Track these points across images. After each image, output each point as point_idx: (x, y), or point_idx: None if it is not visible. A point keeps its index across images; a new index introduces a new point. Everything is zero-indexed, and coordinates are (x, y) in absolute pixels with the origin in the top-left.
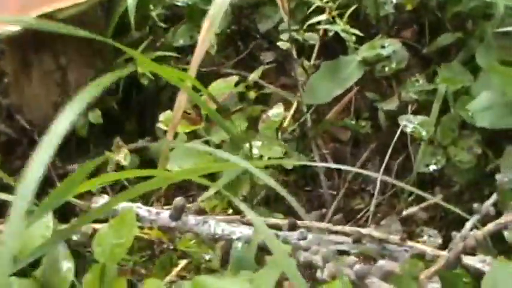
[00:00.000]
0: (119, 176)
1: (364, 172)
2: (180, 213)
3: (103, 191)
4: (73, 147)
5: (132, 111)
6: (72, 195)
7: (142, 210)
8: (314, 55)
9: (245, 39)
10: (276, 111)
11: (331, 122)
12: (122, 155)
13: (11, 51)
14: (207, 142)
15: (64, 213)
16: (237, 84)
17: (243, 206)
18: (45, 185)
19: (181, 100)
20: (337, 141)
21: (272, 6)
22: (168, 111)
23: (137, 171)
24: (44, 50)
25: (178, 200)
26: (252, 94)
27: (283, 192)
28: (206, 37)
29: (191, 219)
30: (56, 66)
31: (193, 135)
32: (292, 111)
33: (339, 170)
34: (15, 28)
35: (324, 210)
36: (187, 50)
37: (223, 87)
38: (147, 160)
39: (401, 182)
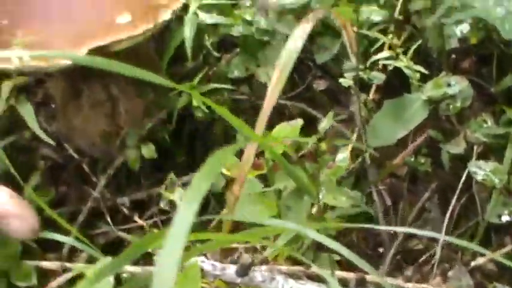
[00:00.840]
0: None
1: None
2: (247, 270)
3: (154, 225)
4: (123, 178)
5: (182, 142)
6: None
7: (207, 264)
8: (373, 90)
9: (300, 69)
10: (342, 156)
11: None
12: (177, 195)
13: (60, 78)
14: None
15: None
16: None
17: (315, 268)
18: (94, 217)
19: (250, 154)
20: (393, 176)
21: (330, 37)
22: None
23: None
24: (95, 79)
25: (246, 258)
26: (314, 139)
27: (352, 256)
28: (276, 88)
29: (258, 276)
30: (107, 96)
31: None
32: (350, 148)
33: (396, 206)
34: (67, 62)
35: (381, 250)
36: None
37: (288, 132)
38: None
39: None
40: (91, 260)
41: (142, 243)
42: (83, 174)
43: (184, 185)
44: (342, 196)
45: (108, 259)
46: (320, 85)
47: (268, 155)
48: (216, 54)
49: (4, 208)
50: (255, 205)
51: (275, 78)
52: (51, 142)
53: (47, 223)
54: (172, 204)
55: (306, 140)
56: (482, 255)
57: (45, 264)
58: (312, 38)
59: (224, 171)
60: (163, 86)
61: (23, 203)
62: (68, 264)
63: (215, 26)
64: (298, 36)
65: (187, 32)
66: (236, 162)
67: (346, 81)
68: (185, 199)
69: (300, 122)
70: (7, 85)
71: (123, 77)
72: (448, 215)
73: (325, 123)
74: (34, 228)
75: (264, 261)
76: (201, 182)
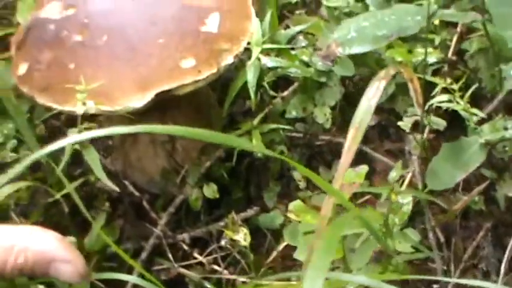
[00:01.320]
0: None
1: None
2: None
3: (214, 262)
4: (183, 215)
5: (240, 179)
6: None
7: None
8: (427, 130)
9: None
10: (406, 201)
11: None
12: (241, 235)
13: (118, 116)
14: None
15: None
16: None
17: None
18: (155, 254)
19: (329, 208)
20: (445, 212)
21: None
22: (298, 202)
23: None
24: (152, 116)
25: None
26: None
27: None
28: (352, 147)
29: None
30: (166, 138)
31: None
32: (404, 186)
33: (449, 242)
34: (137, 105)
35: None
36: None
37: (354, 177)
38: (254, 228)
39: None
40: None
41: None
42: (140, 210)
43: (244, 221)
44: (406, 241)
45: None
46: (372, 120)
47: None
48: (272, 93)
49: (53, 253)
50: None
51: (351, 137)
52: (116, 188)
53: (110, 260)
54: (233, 242)
55: (378, 190)
56: None
57: None
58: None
59: (292, 215)
60: (221, 124)
61: (70, 247)
62: None
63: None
64: (372, 95)
65: (251, 76)
66: (304, 208)
67: (406, 124)
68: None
69: (365, 168)
70: (74, 131)
71: (181, 115)
72: (506, 256)
73: (394, 174)
74: (82, 272)
75: None
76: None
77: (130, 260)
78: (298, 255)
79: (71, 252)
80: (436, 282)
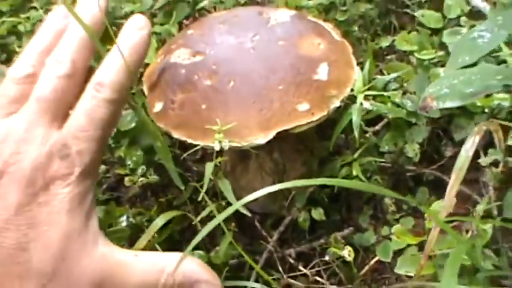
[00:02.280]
0: None
1: None
2: None
3: (317, 274)
4: (289, 233)
5: (337, 203)
6: None
7: None
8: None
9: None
10: (489, 225)
11: None
12: (346, 252)
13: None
14: None
15: None
16: None
17: None
18: (268, 267)
19: (435, 234)
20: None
21: (466, 118)
22: (399, 226)
23: None
24: (264, 147)
25: None
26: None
27: None
28: (453, 189)
29: None
30: (271, 160)
31: None
32: (481, 212)
33: None
34: (261, 142)
35: None
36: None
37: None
38: (348, 244)
39: None
40: None
41: None
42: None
43: (343, 238)
44: (490, 260)
45: None
46: (448, 151)
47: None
48: (366, 128)
49: (197, 275)
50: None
51: (452, 181)
52: (247, 213)
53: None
54: (336, 257)
55: (469, 219)
56: None
57: None
58: (451, 118)
59: (395, 237)
60: (321, 154)
61: (210, 270)
62: None
63: None
64: (469, 147)
65: (355, 117)
66: (404, 230)
67: (485, 161)
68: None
69: (453, 199)
70: (210, 165)
71: (286, 144)
72: None
73: (481, 207)
74: None
75: None
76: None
77: (255, 265)
78: (398, 269)
79: (211, 275)
80: None
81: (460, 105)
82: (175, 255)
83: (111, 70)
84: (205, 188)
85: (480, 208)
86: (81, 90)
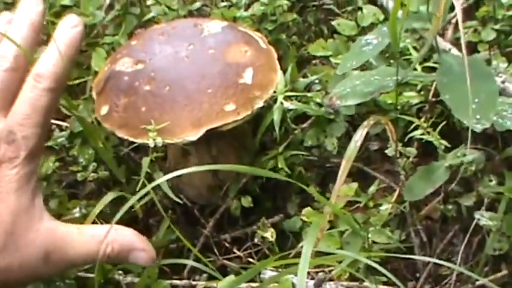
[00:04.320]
0: None
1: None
2: (321, 284)
3: (249, 256)
4: (226, 220)
5: (268, 192)
6: None
7: (295, 279)
8: (411, 158)
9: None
10: (385, 207)
11: (427, 215)
12: (269, 233)
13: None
14: None
15: None
16: None
17: (367, 283)
18: (206, 250)
19: (326, 214)
20: (429, 219)
21: (380, 114)
22: (308, 208)
23: None
24: (201, 144)
25: (321, 275)
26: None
27: (393, 277)
28: (343, 174)
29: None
30: (209, 156)
31: None
32: (395, 198)
33: (431, 242)
34: (192, 139)
35: (417, 275)
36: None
37: (347, 191)
38: (280, 231)
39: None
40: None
41: (259, 266)
42: (190, 217)
43: (272, 225)
44: (384, 236)
45: (231, 277)
46: (374, 146)
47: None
48: (293, 126)
49: (133, 243)
50: (326, 242)
51: (343, 167)
52: (178, 200)
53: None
54: (264, 240)
55: (358, 198)
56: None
57: (177, 282)
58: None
59: (304, 218)
60: (254, 150)
61: (145, 239)
62: (194, 282)
63: None
64: (357, 138)
65: (276, 116)
66: (312, 212)
67: (390, 151)
68: (305, 247)
69: (355, 184)
70: (146, 160)
71: (223, 141)
72: (461, 248)
73: (372, 188)
74: (153, 258)
75: (332, 279)
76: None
77: (192, 248)
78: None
79: (146, 243)
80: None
81: (360, 102)
82: (113, 227)
83: (49, 62)
84: (142, 178)
85: (371, 190)
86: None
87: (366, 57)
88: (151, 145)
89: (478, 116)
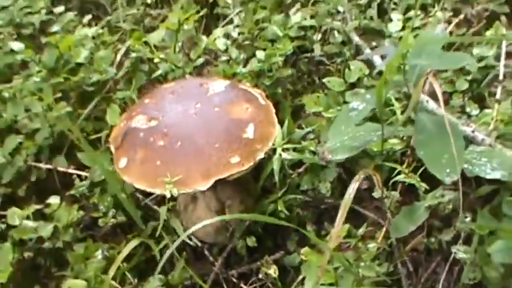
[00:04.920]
0: None
1: None
2: None
3: None
4: (232, 258)
5: (270, 231)
6: None
7: None
8: (395, 199)
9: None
10: (373, 245)
11: (413, 248)
12: (272, 270)
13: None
14: None
15: None
16: None
17: None
18: (216, 286)
19: (326, 256)
20: (415, 251)
21: (368, 159)
22: (307, 248)
23: None
24: (209, 190)
25: None
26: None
27: None
28: (340, 220)
29: None
30: (216, 200)
31: None
32: (382, 233)
33: (417, 272)
34: (203, 188)
35: None
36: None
37: (340, 232)
38: (281, 266)
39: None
40: None
41: None
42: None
43: (274, 261)
44: (373, 270)
45: None
46: (364, 185)
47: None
48: (290, 171)
49: None
50: (323, 276)
51: (340, 214)
52: (191, 243)
53: None
54: (267, 275)
55: (351, 240)
56: None
57: None
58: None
59: (303, 257)
60: (256, 196)
61: None
62: None
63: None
64: (351, 191)
65: (276, 166)
66: (310, 252)
67: (377, 193)
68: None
69: (347, 226)
70: (163, 208)
71: (229, 188)
72: (443, 276)
73: (361, 230)
74: None
75: None
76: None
77: (204, 285)
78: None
79: None
80: None
81: (348, 156)
82: None
83: None
84: (160, 225)
85: (360, 231)
86: None
87: (353, 122)
88: (168, 195)
89: (448, 170)
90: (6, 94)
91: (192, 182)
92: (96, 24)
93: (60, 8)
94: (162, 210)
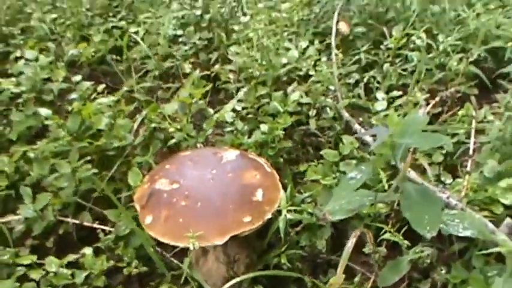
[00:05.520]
0: None
1: None
2: None
3: None
4: None
5: (273, 281)
6: None
7: None
8: (382, 254)
9: (340, 240)
10: None
11: None
12: None
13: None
14: None
15: None
16: None
17: None
18: None
19: None
20: None
21: (358, 220)
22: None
23: None
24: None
25: None
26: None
27: None
28: (339, 275)
29: None
30: (225, 254)
31: None
32: (370, 284)
33: None
34: (220, 243)
35: None
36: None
37: (335, 280)
38: None
39: None
40: None
41: None
42: None
43: None
44: None
45: None
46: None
47: None
48: (290, 230)
49: None
50: None
51: (341, 264)
52: None
53: None
54: None
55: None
56: None
57: None
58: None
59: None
60: (261, 250)
61: None
62: None
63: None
64: (349, 246)
65: (281, 225)
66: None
67: (368, 249)
68: None
69: (342, 276)
70: (186, 260)
71: (236, 244)
72: None
73: (356, 279)
74: None
75: None
76: None
77: None
78: None
79: None
80: None
81: (345, 217)
82: None
83: None
84: (184, 274)
85: (356, 279)
86: None
87: (352, 188)
88: (191, 248)
89: (428, 227)
90: (31, 154)
91: (211, 237)
92: (107, 93)
93: (77, 77)
94: (186, 262)
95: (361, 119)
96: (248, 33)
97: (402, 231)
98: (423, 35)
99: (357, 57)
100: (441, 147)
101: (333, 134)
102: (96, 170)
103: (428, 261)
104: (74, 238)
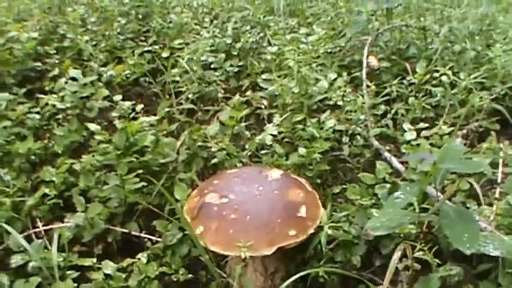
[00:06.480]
0: None
1: None
2: None
3: None
4: None
5: None
6: None
7: None
8: (413, 270)
9: (373, 255)
10: None
11: None
12: None
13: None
14: None
15: None
16: None
17: None
18: None
19: None
20: None
21: (389, 240)
22: None
23: None
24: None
25: None
26: None
27: None
28: (386, 282)
29: None
30: (262, 266)
31: None
32: None
33: None
34: (268, 253)
35: None
36: None
37: None
38: None
39: None
40: None
41: None
42: None
43: None
44: None
45: None
46: (377, 261)
47: None
48: (326, 246)
49: None
50: None
51: (387, 276)
52: None
53: None
54: None
55: None
56: None
57: None
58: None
59: None
60: (296, 264)
61: None
62: None
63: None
64: (395, 257)
65: (323, 239)
66: None
67: (402, 266)
68: None
69: None
70: (238, 267)
71: (276, 259)
72: None
73: None
74: None
75: None
76: None
77: None
78: None
79: None
80: None
81: (386, 233)
82: None
83: None
84: (236, 282)
85: None
86: None
87: (399, 206)
88: (243, 256)
89: (468, 245)
90: (77, 167)
91: (261, 248)
92: (144, 113)
93: (118, 97)
94: (238, 269)
95: (387, 147)
96: (286, 62)
97: (432, 251)
98: (449, 72)
99: (387, 90)
100: (469, 175)
101: (362, 160)
102: (144, 183)
103: (457, 278)
104: (118, 246)
